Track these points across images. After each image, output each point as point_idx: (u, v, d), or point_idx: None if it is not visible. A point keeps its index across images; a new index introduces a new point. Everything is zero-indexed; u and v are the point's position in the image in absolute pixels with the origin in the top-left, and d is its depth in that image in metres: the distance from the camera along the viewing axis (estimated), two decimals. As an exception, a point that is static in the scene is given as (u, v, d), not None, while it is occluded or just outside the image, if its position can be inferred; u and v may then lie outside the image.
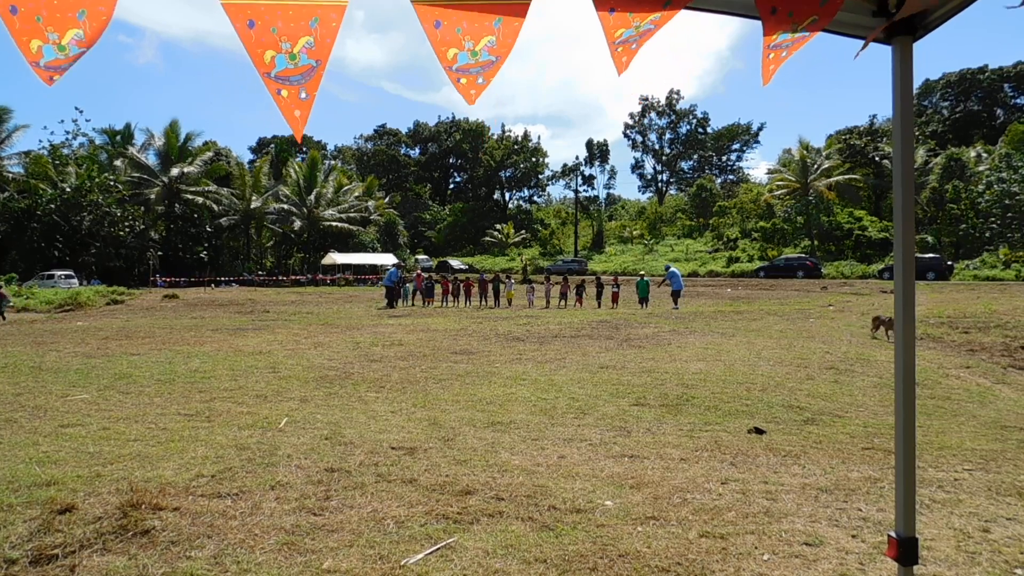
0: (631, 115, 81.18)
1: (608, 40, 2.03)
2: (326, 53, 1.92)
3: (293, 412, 6.47)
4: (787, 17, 2.09)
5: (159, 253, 44.38)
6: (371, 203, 54.65)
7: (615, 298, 22.04)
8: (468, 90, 1.99)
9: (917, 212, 41.22)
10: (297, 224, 47.41)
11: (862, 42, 2.44)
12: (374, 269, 46.60)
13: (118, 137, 47.98)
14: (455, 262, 54.15)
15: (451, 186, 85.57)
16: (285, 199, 48.46)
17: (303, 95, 1.93)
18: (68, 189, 37.88)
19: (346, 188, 53.20)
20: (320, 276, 44.18)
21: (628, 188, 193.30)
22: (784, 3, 2.06)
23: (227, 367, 9.26)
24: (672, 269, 21.71)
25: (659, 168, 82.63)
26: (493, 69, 1.98)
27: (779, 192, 52.96)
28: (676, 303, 20.38)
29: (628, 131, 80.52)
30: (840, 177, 48.48)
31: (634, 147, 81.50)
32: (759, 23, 2.12)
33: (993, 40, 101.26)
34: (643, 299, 20.83)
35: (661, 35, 2.08)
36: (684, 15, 2.06)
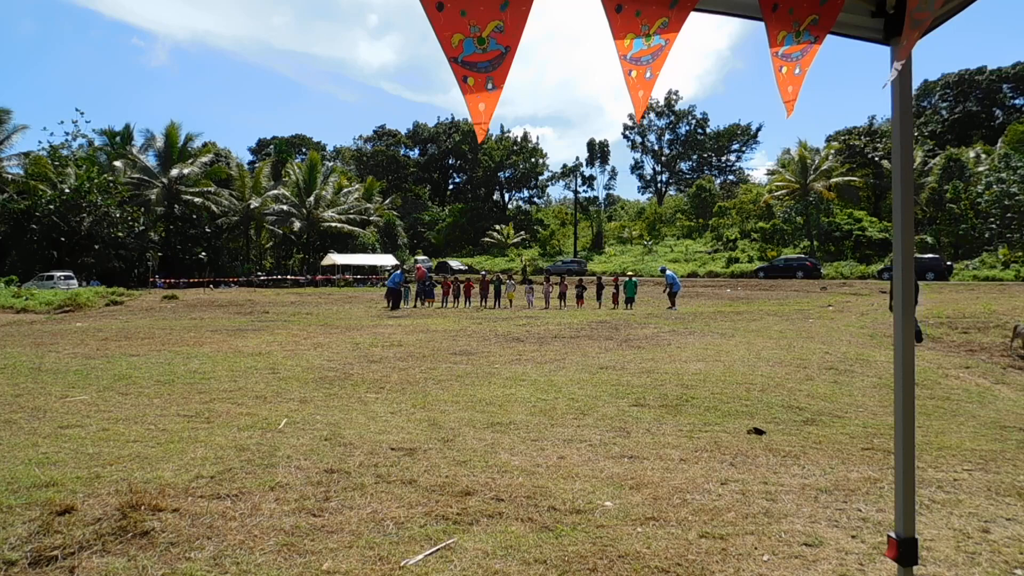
0: (630, 116, 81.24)
1: (619, 53, 1.97)
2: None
3: (292, 413, 6.46)
4: (788, 15, 2.09)
5: (158, 254, 44.37)
6: (370, 205, 54.66)
7: (615, 299, 22.07)
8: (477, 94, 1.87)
9: (916, 212, 41.33)
10: (297, 225, 47.39)
11: (861, 42, 2.44)
12: (373, 270, 46.59)
13: (117, 138, 47.93)
14: (454, 263, 54.10)
15: (450, 187, 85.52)
16: (284, 200, 48.46)
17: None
18: (67, 190, 37.84)
19: (346, 189, 53.21)
20: (320, 277, 44.17)
21: (627, 189, 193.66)
22: (785, 0, 2.07)
23: (226, 368, 9.26)
24: (668, 272, 21.74)
25: (658, 169, 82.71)
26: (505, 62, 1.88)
27: (778, 193, 52.97)
28: (673, 303, 20.44)
29: (627, 132, 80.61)
30: (840, 178, 48.50)
31: (633, 148, 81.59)
32: (761, 24, 2.13)
33: (992, 41, 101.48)
34: (630, 299, 20.96)
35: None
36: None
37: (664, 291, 21.43)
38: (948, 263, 35.42)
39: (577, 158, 77.58)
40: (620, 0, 1.94)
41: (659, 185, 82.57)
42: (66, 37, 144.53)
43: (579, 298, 21.94)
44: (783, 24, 2.10)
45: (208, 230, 45.83)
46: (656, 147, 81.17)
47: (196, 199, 44.18)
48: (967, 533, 3.65)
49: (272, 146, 75.49)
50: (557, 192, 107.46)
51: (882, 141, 50.10)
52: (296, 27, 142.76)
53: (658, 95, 78.64)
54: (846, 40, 2.44)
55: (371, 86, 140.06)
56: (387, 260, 46.95)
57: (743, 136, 79.52)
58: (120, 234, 39.94)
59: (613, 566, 3.23)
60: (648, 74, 2.03)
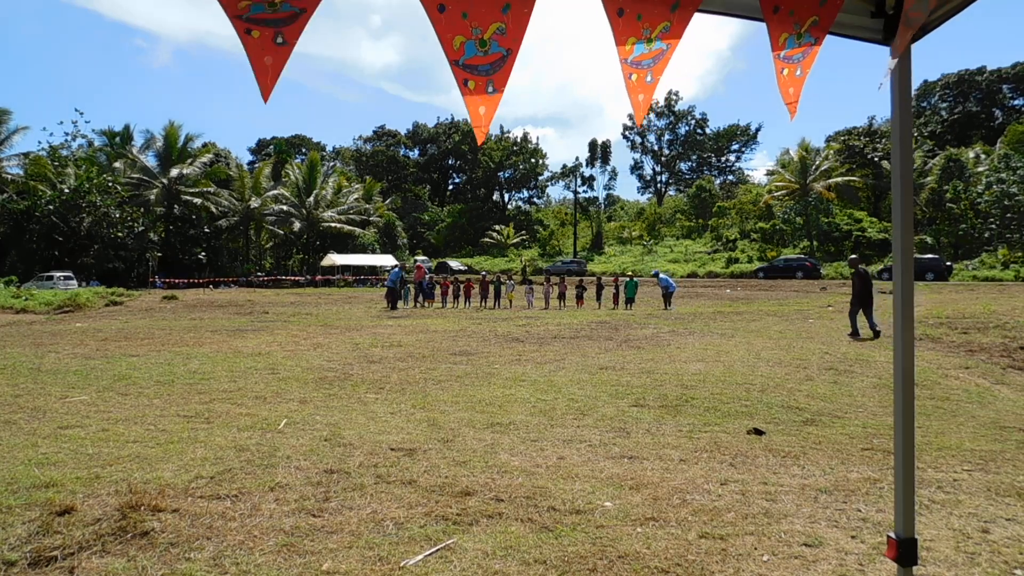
0: (630, 116, 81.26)
1: (620, 57, 1.97)
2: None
3: (292, 413, 6.46)
4: (788, 16, 2.09)
5: (158, 254, 44.34)
6: (370, 205, 54.67)
7: (615, 299, 22.07)
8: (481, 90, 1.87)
9: (916, 213, 41.38)
10: (296, 225, 47.39)
11: (860, 42, 2.44)
12: (373, 270, 46.59)
13: (117, 138, 47.92)
14: (454, 263, 54.10)
15: (450, 187, 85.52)
16: (284, 200, 48.45)
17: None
18: (67, 190, 37.83)
19: (346, 190, 53.20)
20: (319, 277, 44.16)
21: (627, 189, 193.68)
22: (786, 2, 2.07)
23: (226, 368, 9.26)
24: (662, 275, 21.77)
25: (658, 169, 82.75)
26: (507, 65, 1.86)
27: (778, 193, 53.00)
28: (671, 303, 20.46)
29: (627, 132, 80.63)
30: (839, 178, 48.53)
31: (633, 148, 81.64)
32: (761, 25, 2.13)
33: (991, 41, 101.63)
34: (629, 299, 21.01)
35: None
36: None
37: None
38: (948, 263, 35.43)
39: (577, 158, 77.66)
40: (621, 4, 1.95)
41: (659, 185, 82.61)
42: (66, 37, 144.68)
43: (579, 298, 21.93)
44: (784, 26, 2.10)
45: (208, 230, 45.81)
46: (656, 147, 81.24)
47: (196, 199, 44.15)
48: (967, 533, 3.65)
49: (272, 146, 75.47)
50: (557, 192, 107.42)
51: (882, 141, 50.12)
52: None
53: (658, 96, 78.38)
54: (846, 40, 2.44)
55: (371, 86, 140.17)
56: (387, 260, 46.94)
57: (743, 136, 79.59)
58: (120, 234, 39.92)
59: (613, 566, 3.23)
60: (649, 78, 2.02)
